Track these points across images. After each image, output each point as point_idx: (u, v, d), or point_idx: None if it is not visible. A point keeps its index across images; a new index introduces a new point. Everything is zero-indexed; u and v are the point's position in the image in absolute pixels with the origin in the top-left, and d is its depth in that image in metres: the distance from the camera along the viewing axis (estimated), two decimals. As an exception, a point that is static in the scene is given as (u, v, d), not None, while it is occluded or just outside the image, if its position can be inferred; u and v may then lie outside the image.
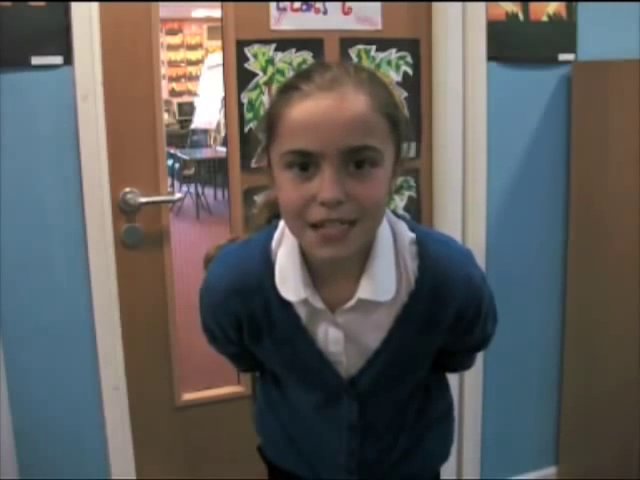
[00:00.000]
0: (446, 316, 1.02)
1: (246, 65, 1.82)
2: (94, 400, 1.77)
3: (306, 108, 0.87)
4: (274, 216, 1.07)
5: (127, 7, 1.69)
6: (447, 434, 1.23)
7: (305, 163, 0.88)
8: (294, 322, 1.01)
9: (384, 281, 0.97)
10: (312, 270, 0.98)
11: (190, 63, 8.65)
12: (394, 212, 1.06)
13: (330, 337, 1.02)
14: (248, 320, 1.03)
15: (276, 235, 1.02)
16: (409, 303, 1.00)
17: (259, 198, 1.19)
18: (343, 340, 1.02)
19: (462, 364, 1.21)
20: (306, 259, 0.98)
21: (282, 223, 1.01)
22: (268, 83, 1.83)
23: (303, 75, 0.91)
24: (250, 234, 1.12)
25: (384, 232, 0.99)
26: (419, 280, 0.99)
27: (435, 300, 1.00)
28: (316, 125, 0.86)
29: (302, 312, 1.01)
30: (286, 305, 1.00)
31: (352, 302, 0.98)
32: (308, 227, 0.89)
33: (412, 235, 1.01)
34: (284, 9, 1.83)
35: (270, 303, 1.01)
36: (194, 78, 8.44)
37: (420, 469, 1.18)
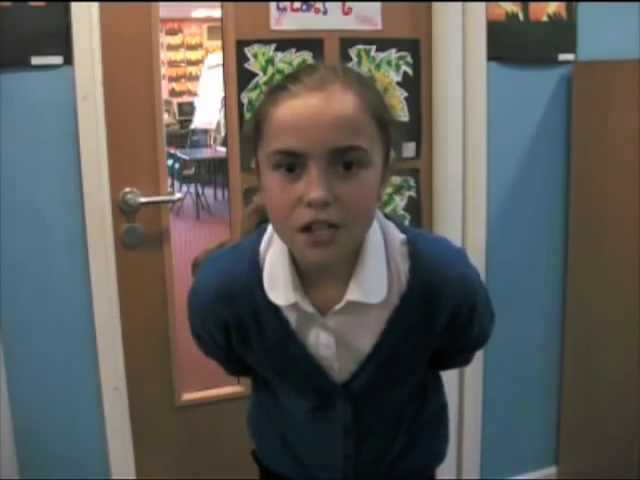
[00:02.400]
0: (440, 317, 1.00)
1: (246, 65, 1.82)
2: (94, 400, 1.77)
3: (292, 107, 0.86)
4: (263, 221, 1.05)
5: (127, 7, 1.69)
6: (442, 434, 1.22)
7: (292, 164, 0.86)
8: (283, 327, 1.00)
9: (374, 283, 0.96)
10: (301, 273, 0.97)
11: (190, 63, 8.65)
12: (384, 214, 1.04)
13: (321, 341, 1.00)
14: (236, 325, 1.02)
15: (264, 239, 1.01)
16: (401, 305, 0.98)
17: (250, 204, 1.18)
18: (334, 344, 1.00)
19: (460, 362, 1.21)
20: (295, 262, 0.96)
21: (271, 227, 0.99)
22: (268, 83, 1.83)
23: (291, 76, 0.90)
24: (239, 239, 1.10)
25: (374, 234, 0.97)
26: (411, 281, 0.98)
27: (428, 301, 0.99)
28: (302, 124, 0.85)
29: (291, 316, 0.99)
30: (275, 309, 0.98)
31: (341, 304, 0.96)
32: (296, 230, 0.87)
33: (402, 236, 1.00)
34: (284, 9, 1.83)
35: (258, 308, 0.99)
36: (194, 78, 8.44)
37: (416, 470, 1.17)
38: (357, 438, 1.09)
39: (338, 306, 0.97)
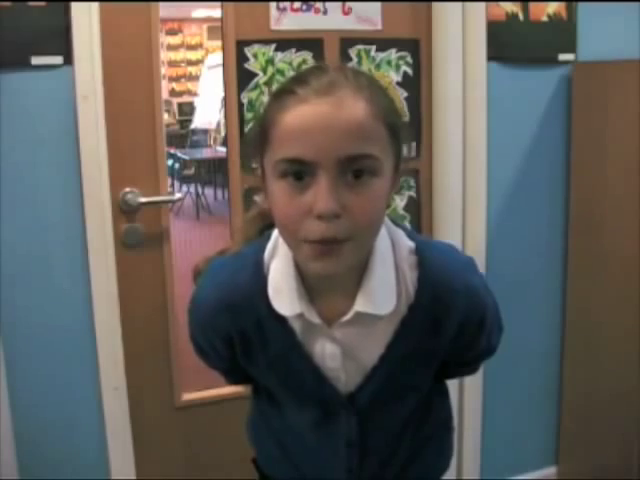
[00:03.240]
0: (447, 328, 0.98)
1: (246, 65, 1.82)
2: (94, 400, 1.77)
3: (301, 113, 0.82)
4: (266, 227, 1.02)
5: (127, 7, 1.69)
6: (446, 445, 1.19)
7: (300, 172, 0.82)
8: (288, 337, 0.97)
9: (382, 293, 0.93)
10: (307, 283, 0.94)
11: (190, 63, 8.65)
12: (393, 220, 1.00)
13: (327, 352, 0.97)
14: (240, 337, 0.99)
15: (269, 246, 0.97)
16: (408, 316, 0.95)
17: (251, 205, 1.14)
18: (341, 356, 0.97)
19: (465, 373, 1.18)
20: (301, 272, 0.93)
21: (275, 234, 0.96)
22: (268, 83, 1.83)
23: (299, 79, 0.86)
24: (240, 246, 1.06)
25: (382, 243, 0.94)
26: (418, 292, 0.95)
27: (436, 311, 0.95)
28: (312, 132, 0.81)
29: (297, 326, 0.96)
30: (280, 320, 0.95)
31: (349, 315, 0.93)
32: (302, 241, 0.84)
33: (411, 244, 0.97)
34: (284, 9, 1.83)
35: (262, 318, 0.96)
36: (194, 78, 8.45)
37: None
38: (361, 451, 1.06)
39: (346, 317, 0.94)
